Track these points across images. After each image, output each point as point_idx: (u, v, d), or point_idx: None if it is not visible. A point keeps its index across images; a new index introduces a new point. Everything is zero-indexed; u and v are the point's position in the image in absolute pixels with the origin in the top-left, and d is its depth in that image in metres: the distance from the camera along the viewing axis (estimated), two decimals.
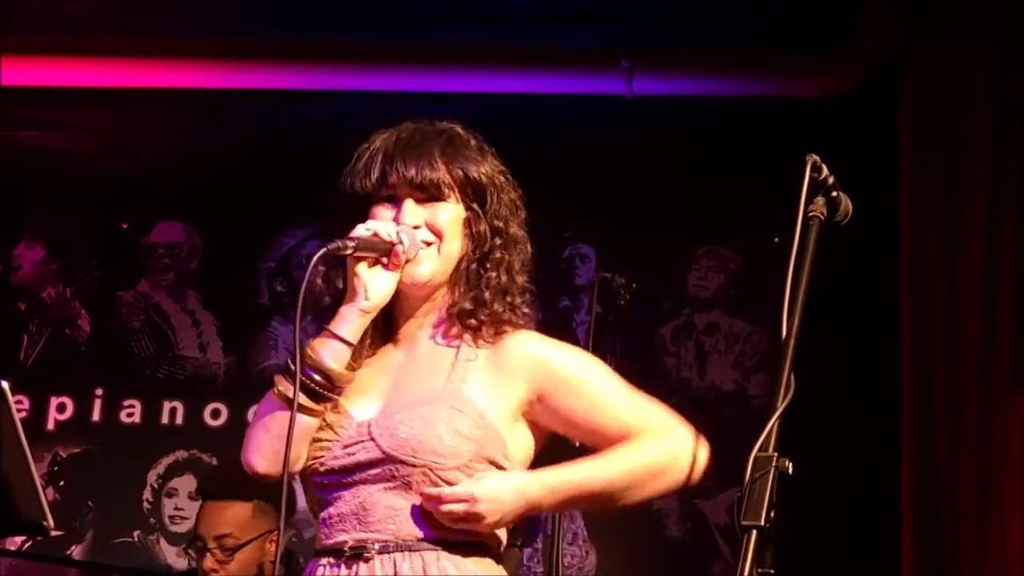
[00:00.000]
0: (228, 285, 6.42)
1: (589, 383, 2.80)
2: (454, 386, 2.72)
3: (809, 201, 2.50)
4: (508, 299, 2.79)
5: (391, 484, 2.66)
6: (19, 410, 6.23)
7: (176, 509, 6.22)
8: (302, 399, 2.65)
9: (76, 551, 6.15)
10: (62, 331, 6.43)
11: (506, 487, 2.66)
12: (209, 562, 4.59)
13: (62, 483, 6.26)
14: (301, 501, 2.88)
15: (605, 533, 6.15)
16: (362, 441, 2.68)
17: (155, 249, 6.48)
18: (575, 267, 6.32)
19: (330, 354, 2.68)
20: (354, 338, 2.70)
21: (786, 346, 2.35)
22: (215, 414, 6.31)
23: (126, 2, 5.74)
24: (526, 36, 5.86)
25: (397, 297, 2.76)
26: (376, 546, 2.65)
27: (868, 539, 5.63)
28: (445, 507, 2.61)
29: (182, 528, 6.14)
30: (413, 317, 2.80)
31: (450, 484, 2.65)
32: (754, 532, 2.19)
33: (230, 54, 6.08)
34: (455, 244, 2.77)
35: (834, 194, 2.55)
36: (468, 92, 6.08)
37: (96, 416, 6.33)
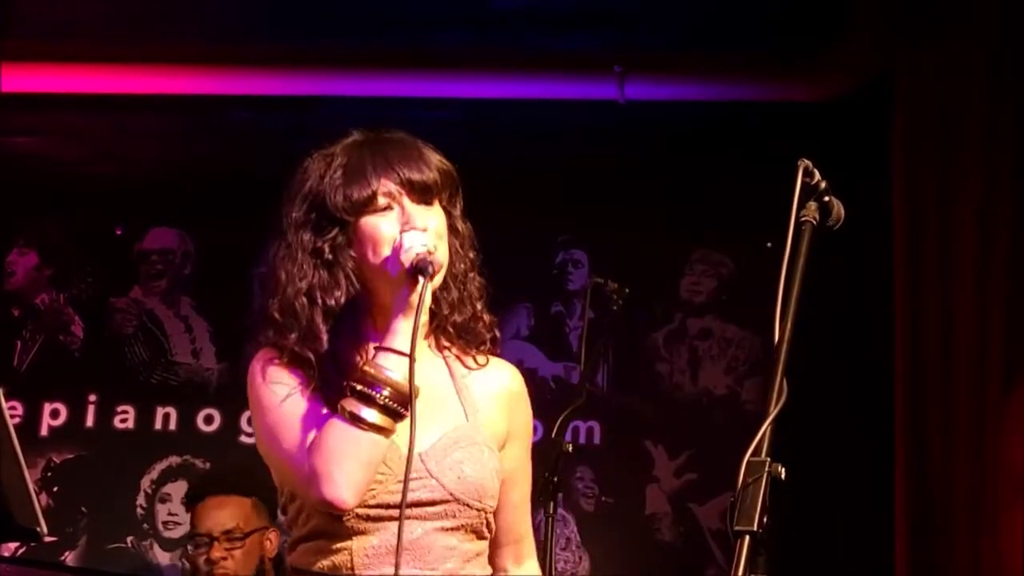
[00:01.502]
0: (221, 291, 6.39)
1: (526, 452, 2.85)
2: (477, 422, 2.72)
3: (801, 206, 2.50)
4: (484, 304, 2.77)
5: (448, 524, 2.66)
6: (13, 416, 6.21)
7: (170, 515, 6.21)
8: (377, 418, 2.56)
9: (70, 557, 6.15)
10: (55, 337, 6.42)
11: None
12: (218, 551, 4.62)
13: (56, 489, 6.25)
14: None
15: (598, 538, 6.16)
16: (421, 477, 2.63)
17: (148, 255, 6.48)
18: (568, 272, 6.32)
19: (395, 367, 2.57)
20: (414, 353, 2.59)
21: (778, 351, 2.35)
22: (208, 420, 6.30)
23: (118, 9, 5.73)
24: (518, 41, 5.86)
25: (382, 312, 2.69)
26: None
27: (862, 544, 5.63)
28: None
29: (176, 534, 6.14)
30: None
31: (490, 527, 2.71)
32: (747, 538, 2.19)
33: (223, 60, 6.08)
34: (446, 248, 2.71)
35: (826, 199, 2.55)
36: (460, 97, 6.08)
37: (90, 422, 6.33)
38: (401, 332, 2.58)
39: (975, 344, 5.15)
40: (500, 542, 2.80)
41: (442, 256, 2.67)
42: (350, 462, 2.54)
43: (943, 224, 5.31)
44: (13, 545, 5.74)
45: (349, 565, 2.64)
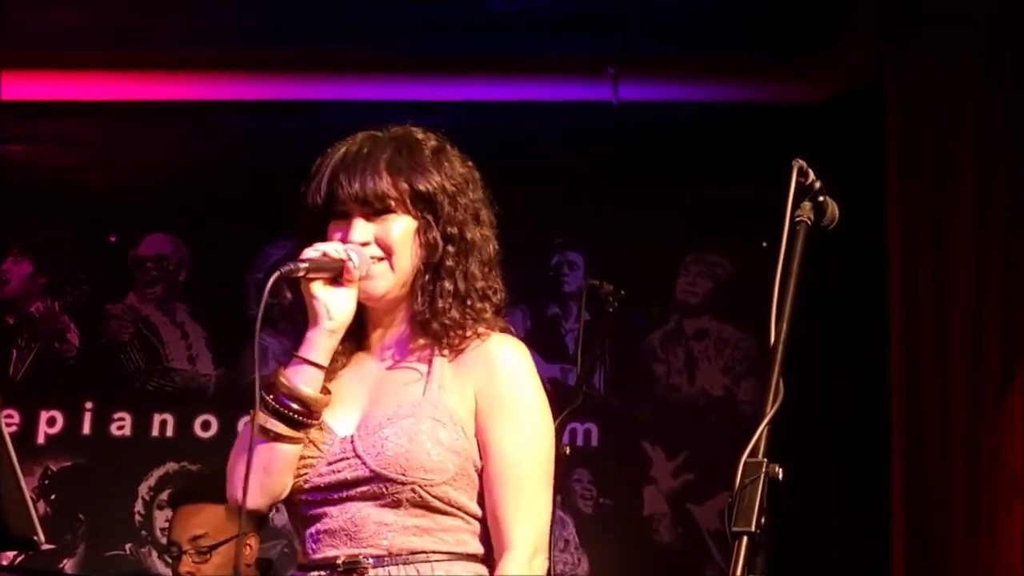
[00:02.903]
0: (216, 297, 6.41)
1: (503, 427, 2.72)
2: (433, 395, 2.71)
3: (796, 206, 2.50)
4: (468, 304, 2.76)
5: (381, 501, 2.66)
6: (9, 424, 6.26)
7: (167, 521, 6.20)
8: (281, 428, 2.65)
9: (68, 565, 6.14)
10: (51, 345, 6.42)
11: None
12: (186, 565, 4.60)
13: (53, 497, 6.25)
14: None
15: (597, 540, 6.16)
16: (347, 458, 2.68)
17: (143, 262, 6.47)
18: (563, 274, 6.32)
19: (304, 380, 2.67)
20: (325, 360, 2.69)
21: (775, 352, 2.35)
22: (205, 426, 6.30)
23: (111, 15, 5.73)
24: (512, 45, 5.87)
25: (363, 307, 2.76)
26: (370, 560, 2.65)
27: (859, 544, 5.63)
28: None
29: None
30: (381, 326, 2.80)
31: (439, 499, 2.66)
32: (745, 538, 2.19)
33: (216, 66, 6.08)
34: (406, 257, 2.74)
35: (821, 199, 2.55)
36: (454, 101, 6.08)
37: (86, 429, 6.32)
38: (311, 342, 2.69)
39: (971, 343, 5.16)
40: (490, 527, 2.72)
41: (397, 264, 2.73)
42: (244, 467, 2.62)
43: (939, 224, 5.31)
44: (11, 554, 5.74)
45: (304, 551, 2.73)
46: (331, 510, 2.68)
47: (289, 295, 2.77)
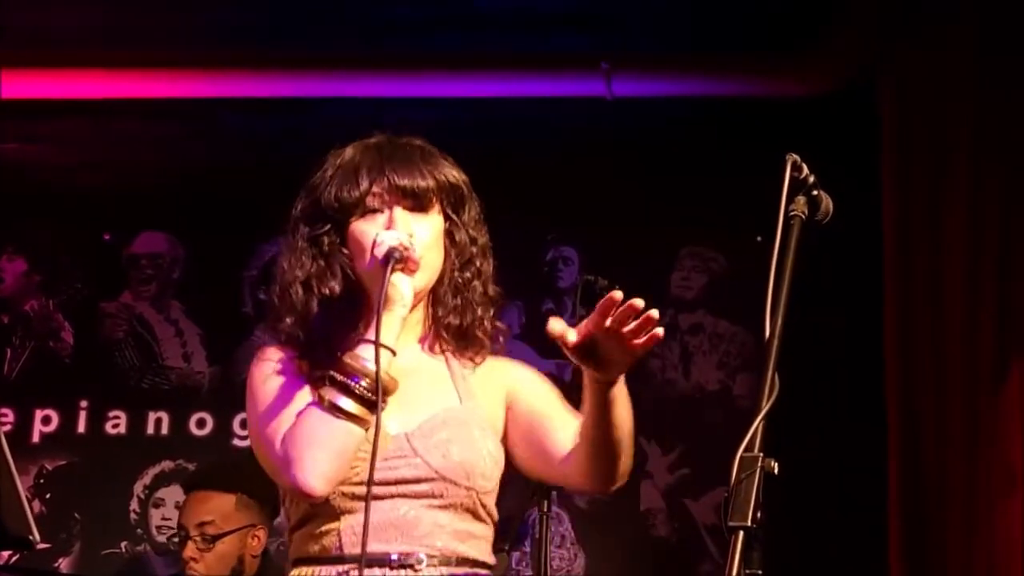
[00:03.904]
0: (211, 294, 6.41)
1: (544, 381, 2.91)
2: (472, 406, 2.78)
3: (790, 201, 2.51)
4: (489, 312, 2.85)
5: (437, 502, 2.70)
6: (3, 423, 6.26)
7: (163, 519, 6.20)
8: (355, 408, 2.61)
9: (64, 564, 6.14)
10: (46, 343, 6.41)
11: None
12: (189, 550, 4.64)
13: (48, 496, 6.24)
14: None
15: (593, 535, 6.16)
16: (405, 456, 2.70)
17: (137, 260, 6.47)
18: (558, 269, 6.32)
19: (375, 359, 2.62)
20: (395, 344, 2.66)
21: (770, 346, 2.36)
22: (201, 424, 6.30)
23: (105, 14, 5.72)
24: (505, 40, 5.86)
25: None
26: (424, 558, 2.67)
27: (856, 538, 5.63)
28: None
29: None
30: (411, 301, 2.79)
31: (484, 507, 2.74)
32: (741, 533, 2.19)
33: (210, 64, 6.07)
34: (438, 256, 2.79)
35: (815, 193, 2.55)
36: (449, 97, 6.08)
37: (81, 428, 6.32)
38: (386, 324, 2.63)
39: (967, 337, 5.15)
40: (568, 433, 2.79)
41: (429, 261, 2.75)
42: (321, 450, 2.59)
43: (933, 217, 5.31)
44: (7, 553, 5.74)
45: (338, 545, 2.69)
46: (380, 505, 2.66)
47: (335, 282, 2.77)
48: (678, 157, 6.03)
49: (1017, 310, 5.09)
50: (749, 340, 6.20)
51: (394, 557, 2.66)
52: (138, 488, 6.24)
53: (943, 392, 5.17)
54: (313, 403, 2.63)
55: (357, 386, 2.60)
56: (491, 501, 2.77)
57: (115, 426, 6.31)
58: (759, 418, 2.27)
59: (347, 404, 2.60)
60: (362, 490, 2.64)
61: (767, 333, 2.37)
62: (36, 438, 6.29)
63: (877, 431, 5.33)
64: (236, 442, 6.19)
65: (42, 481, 6.25)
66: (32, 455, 6.23)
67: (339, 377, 2.61)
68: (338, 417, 2.59)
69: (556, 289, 6.29)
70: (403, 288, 2.67)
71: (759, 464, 2.23)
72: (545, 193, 6.02)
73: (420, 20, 5.73)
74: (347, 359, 2.62)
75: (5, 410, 6.28)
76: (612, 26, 5.78)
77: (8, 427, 6.27)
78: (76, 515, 6.21)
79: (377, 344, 2.59)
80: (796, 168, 2.53)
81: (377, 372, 2.58)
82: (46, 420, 6.31)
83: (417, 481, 2.69)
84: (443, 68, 6.04)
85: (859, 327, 5.65)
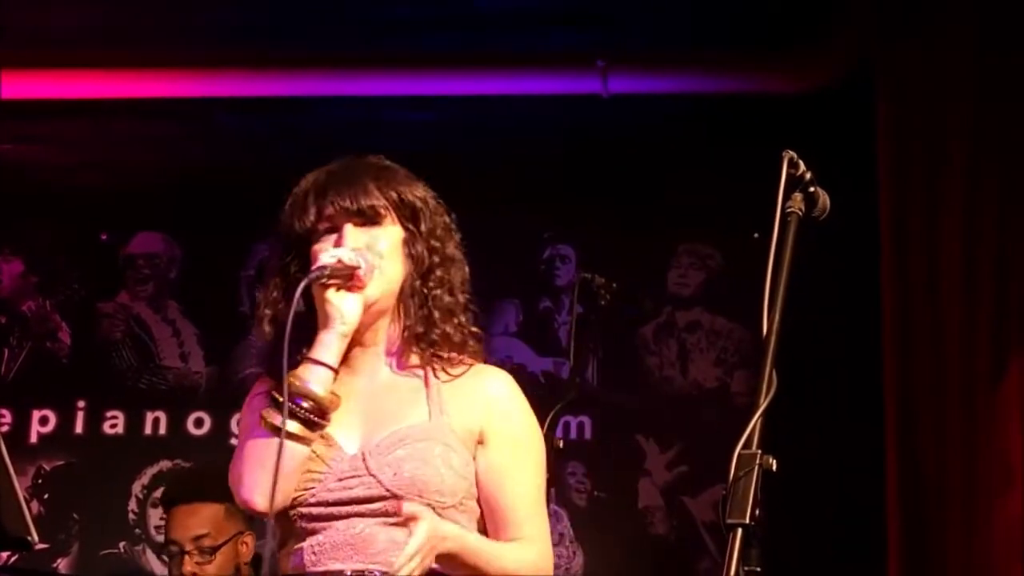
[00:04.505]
0: (208, 294, 6.41)
1: (519, 450, 2.85)
2: (438, 420, 2.78)
3: (787, 197, 2.51)
4: (456, 320, 2.85)
5: (392, 519, 2.71)
6: (1, 424, 6.26)
7: (162, 519, 6.18)
8: (295, 428, 2.68)
9: (62, 564, 6.14)
10: (43, 344, 6.41)
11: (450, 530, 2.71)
12: (189, 566, 4.59)
13: (46, 496, 6.24)
14: None
15: (592, 533, 6.16)
16: (359, 476, 2.73)
17: (134, 260, 6.47)
18: (555, 268, 6.32)
19: (316, 380, 2.71)
20: (336, 362, 2.73)
21: (767, 343, 2.35)
22: (198, 423, 6.30)
23: (102, 14, 5.72)
24: (501, 39, 5.86)
25: None
26: (377, 574, 2.68)
27: (854, 535, 5.63)
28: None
29: None
30: (362, 344, 2.84)
31: (451, 522, 2.73)
32: (739, 530, 2.19)
33: (208, 64, 6.07)
34: (396, 266, 2.83)
35: (812, 190, 2.55)
36: (446, 95, 6.07)
37: (79, 428, 6.32)
38: (324, 343, 2.72)
39: (964, 333, 5.15)
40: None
41: (386, 269, 2.79)
42: (262, 469, 2.67)
43: (930, 213, 5.30)
44: (5, 554, 5.74)
45: (301, 564, 2.75)
46: (337, 524, 2.72)
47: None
48: (675, 154, 6.03)
49: (1015, 308, 5.09)
50: (746, 337, 6.20)
51: (348, 574, 2.70)
52: (136, 488, 6.24)
53: (941, 390, 5.17)
54: (258, 424, 2.72)
55: (299, 408, 2.68)
56: (455, 515, 2.75)
57: (113, 426, 6.31)
58: (757, 415, 2.27)
59: (288, 424, 2.66)
60: (319, 511, 2.72)
61: (764, 330, 2.37)
62: (34, 438, 6.29)
63: (875, 429, 5.33)
64: (234, 441, 6.17)
65: (40, 481, 6.25)
66: (30, 455, 6.23)
67: (279, 398, 2.67)
68: (279, 437, 2.65)
69: (553, 287, 6.29)
70: (342, 305, 2.73)
71: (757, 461, 2.23)
72: (542, 191, 6.02)
73: (418, 20, 5.73)
74: (290, 379, 2.68)
75: (3, 411, 6.28)
76: (608, 24, 5.78)
77: (6, 428, 6.27)
78: (74, 515, 6.21)
79: (283, 367, 2.64)
80: (793, 165, 2.53)
81: (286, 394, 2.65)
82: (44, 420, 6.31)
83: (370, 500, 2.72)
84: (440, 67, 6.04)
85: (857, 324, 5.65)
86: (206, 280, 6.42)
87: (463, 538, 2.71)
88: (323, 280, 2.72)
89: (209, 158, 6.29)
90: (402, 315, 2.84)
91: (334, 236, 2.80)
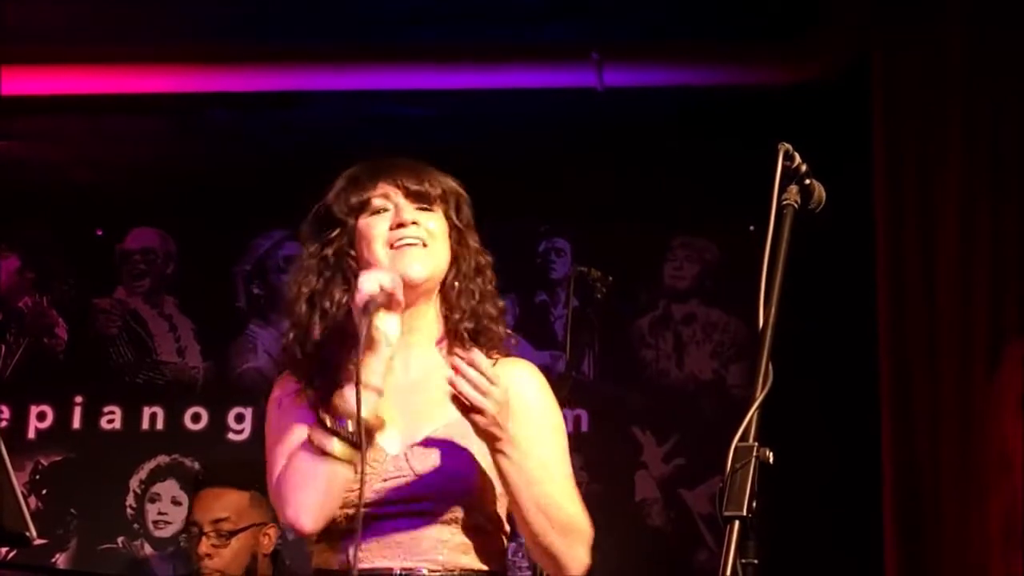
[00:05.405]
0: (205, 289, 6.40)
1: (544, 424, 2.92)
2: None
3: (782, 189, 2.51)
4: (494, 311, 2.93)
5: (436, 518, 2.77)
6: None
7: (160, 514, 6.20)
8: (339, 450, 2.70)
9: (60, 559, 6.14)
10: (40, 340, 6.40)
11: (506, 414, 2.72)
12: (204, 547, 4.65)
13: (44, 492, 6.24)
14: None
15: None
16: (403, 475, 2.78)
17: (130, 255, 6.46)
18: (551, 261, 6.32)
19: (364, 403, 2.69)
20: (381, 384, 2.75)
21: (763, 336, 2.36)
22: (195, 418, 6.29)
23: (95, 10, 5.72)
24: (496, 32, 5.86)
25: None
26: (427, 573, 2.76)
27: (850, 528, 5.64)
28: (470, 379, 2.64)
29: (166, 533, 6.14)
30: (400, 333, 2.83)
31: (487, 519, 2.82)
32: (737, 522, 2.19)
33: (202, 59, 6.06)
34: (444, 250, 2.89)
35: (807, 182, 2.56)
36: (440, 89, 6.07)
37: (77, 424, 6.31)
38: (371, 367, 2.73)
39: (960, 323, 5.16)
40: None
41: (437, 255, 2.86)
42: (308, 491, 2.71)
43: (925, 204, 5.31)
44: (4, 549, 5.74)
45: (345, 561, 2.77)
46: (382, 524, 2.77)
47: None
48: (669, 147, 6.02)
49: (1010, 299, 5.09)
50: (743, 329, 6.20)
51: (397, 573, 2.76)
52: (134, 483, 6.24)
53: (937, 381, 5.18)
54: (304, 444, 2.74)
55: (343, 429, 2.70)
56: (497, 508, 2.83)
57: (110, 421, 6.31)
58: (753, 407, 2.27)
59: (333, 447, 2.70)
60: (365, 511, 2.73)
61: (761, 322, 2.37)
62: (31, 434, 6.29)
63: (871, 418, 5.33)
64: (231, 436, 6.19)
65: (38, 477, 6.25)
66: (28, 451, 6.22)
67: (327, 419, 2.71)
68: (325, 459, 2.70)
69: (549, 281, 6.29)
70: (387, 329, 2.75)
71: (754, 453, 2.23)
72: (537, 184, 6.02)
73: (409, 12, 5.72)
74: (335, 400, 2.72)
75: (0, 407, 6.27)
76: (602, 16, 5.77)
77: (3, 424, 6.27)
78: (72, 511, 6.21)
79: (358, 393, 2.65)
80: (788, 157, 2.53)
81: (358, 418, 2.66)
82: (41, 416, 6.31)
83: (416, 499, 2.77)
84: (433, 60, 6.03)
85: (852, 313, 5.65)
86: (202, 275, 6.42)
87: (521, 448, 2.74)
88: (377, 307, 2.72)
89: (204, 153, 6.28)
90: (448, 307, 2.91)
91: (383, 215, 2.84)
